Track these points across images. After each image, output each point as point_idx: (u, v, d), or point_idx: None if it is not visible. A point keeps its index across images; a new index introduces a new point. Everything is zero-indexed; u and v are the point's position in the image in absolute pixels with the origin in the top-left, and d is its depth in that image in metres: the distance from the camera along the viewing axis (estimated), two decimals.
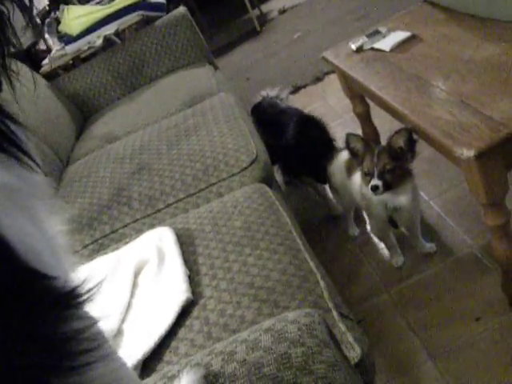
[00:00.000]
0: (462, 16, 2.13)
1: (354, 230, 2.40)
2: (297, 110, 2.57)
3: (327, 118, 3.28)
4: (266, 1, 6.45)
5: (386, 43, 2.16)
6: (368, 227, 2.36)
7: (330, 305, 1.22)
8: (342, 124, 3.21)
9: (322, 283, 1.29)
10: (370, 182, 1.87)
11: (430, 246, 2.14)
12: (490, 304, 1.86)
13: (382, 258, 2.23)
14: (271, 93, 2.77)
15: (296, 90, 3.90)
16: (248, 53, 5.25)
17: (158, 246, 1.60)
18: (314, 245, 2.41)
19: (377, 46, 2.18)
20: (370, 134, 2.47)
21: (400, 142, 1.85)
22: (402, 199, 1.92)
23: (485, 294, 1.90)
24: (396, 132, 1.86)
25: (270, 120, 2.50)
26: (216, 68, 3.45)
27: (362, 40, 2.27)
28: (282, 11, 5.91)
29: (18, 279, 0.49)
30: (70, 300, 0.53)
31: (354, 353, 1.09)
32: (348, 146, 1.94)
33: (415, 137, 1.84)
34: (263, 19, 5.95)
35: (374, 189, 1.86)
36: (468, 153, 1.42)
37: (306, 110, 3.54)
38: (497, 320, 1.80)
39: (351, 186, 2.10)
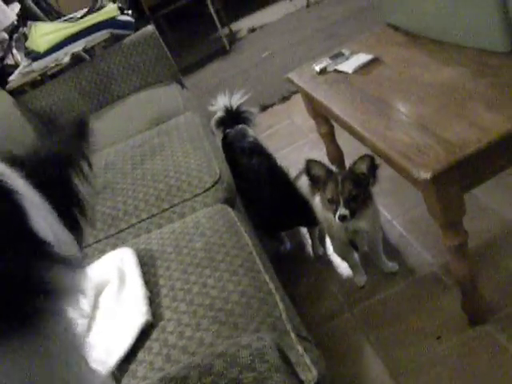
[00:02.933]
0: (423, 40, 2.17)
1: (319, 250, 2.42)
2: (264, 156, 2.43)
3: (294, 137, 3.34)
4: (235, 20, 6.49)
5: (348, 65, 2.19)
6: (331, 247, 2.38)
7: (288, 327, 1.23)
8: (308, 143, 3.24)
9: (280, 305, 1.30)
10: (335, 209, 1.88)
11: (392, 265, 2.17)
12: (451, 322, 1.89)
13: (346, 278, 2.25)
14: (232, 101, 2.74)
15: (263, 109, 3.92)
16: (217, 71, 5.28)
17: (119, 267, 1.60)
18: (278, 265, 2.45)
19: (340, 68, 2.22)
20: (335, 153, 2.50)
21: (362, 168, 1.88)
22: (362, 223, 1.95)
23: (445, 312, 1.93)
24: (359, 158, 1.88)
25: (237, 159, 2.43)
26: (183, 87, 3.47)
27: (325, 62, 2.30)
28: (252, 30, 5.96)
29: None
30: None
31: (311, 375, 1.10)
32: (308, 173, 1.95)
33: (377, 162, 1.87)
34: (233, 38, 5.99)
35: (343, 218, 1.87)
36: (424, 175, 1.44)
37: (273, 129, 3.61)
38: (457, 338, 1.83)
39: (314, 206, 2.12)
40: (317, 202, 2.04)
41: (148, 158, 2.21)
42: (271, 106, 3.95)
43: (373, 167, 1.86)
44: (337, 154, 2.50)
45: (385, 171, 2.49)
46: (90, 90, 3.48)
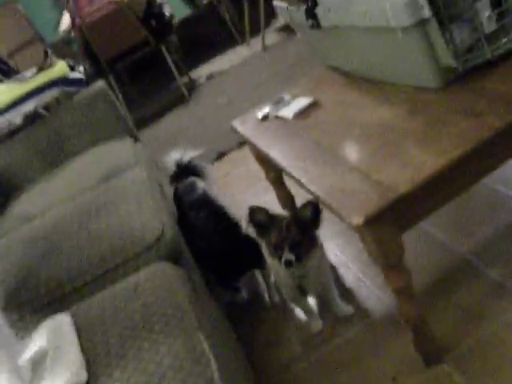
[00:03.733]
0: (360, 80, 2.19)
1: (275, 297, 2.38)
2: (213, 207, 2.42)
3: (250, 182, 3.33)
4: (195, 67, 6.55)
5: (289, 110, 2.20)
6: None
7: None
8: (263, 187, 3.22)
9: (213, 366, 1.26)
10: (280, 255, 1.86)
11: (347, 309, 2.14)
12: (407, 363, 1.85)
13: (302, 324, 2.21)
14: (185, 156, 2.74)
15: (220, 156, 3.92)
16: (176, 120, 5.28)
17: (55, 334, 1.55)
18: (235, 314, 2.41)
19: (280, 113, 2.22)
20: (285, 198, 2.49)
21: (306, 213, 1.87)
22: (308, 267, 1.92)
23: (401, 354, 1.89)
24: (303, 204, 1.87)
25: (186, 212, 2.42)
26: (136, 140, 3.45)
27: (267, 108, 2.30)
28: (210, 77, 6.00)
29: None
30: None
31: None
32: (252, 220, 1.93)
33: (321, 207, 1.86)
34: (192, 85, 6.03)
35: (288, 264, 1.85)
36: (357, 219, 1.43)
37: (230, 177, 3.60)
38: (412, 379, 1.79)
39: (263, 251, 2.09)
40: (264, 248, 2.02)
41: (93, 217, 2.17)
42: (228, 152, 3.95)
43: (317, 212, 1.85)
44: (287, 198, 2.49)
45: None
46: (42, 149, 3.46)
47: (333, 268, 2.29)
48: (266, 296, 2.42)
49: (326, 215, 1.91)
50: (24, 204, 3.01)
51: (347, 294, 2.23)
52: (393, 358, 1.89)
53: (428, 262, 2.19)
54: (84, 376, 1.34)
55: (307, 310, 2.15)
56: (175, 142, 4.55)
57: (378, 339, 1.99)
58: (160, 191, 2.35)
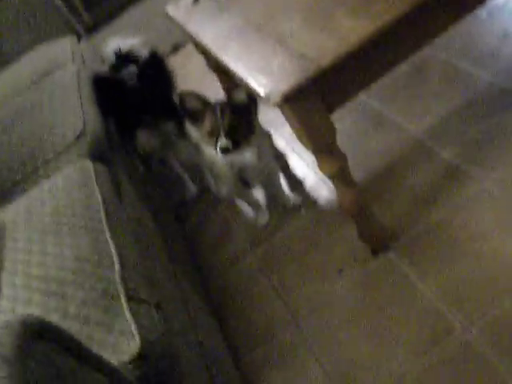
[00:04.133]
0: None
1: (222, 192, 2.26)
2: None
3: (205, 75, 3.12)
4: None
5: None
6: None
7: (120, 290, 1.08)
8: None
9: (116, 266, 1.14)
10: (216, 142, 1.73)
11: (294, 198, 2.03)
12: (353, 254, 1.76)
13: (248, 218, 2.10)
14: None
15: (175, 49, 3.71)
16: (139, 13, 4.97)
17: None
18: (183, 212, 2.31)
19: None
20: (229, 84, 2.30)
21: (242, 96, 1.71)
22: (248, 157, 1.79)
23: (347, 244, 1.80)
24: (237, 88, 1.72)
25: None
26: (80, 37, 3.23)
27: None
28: None
29: None
30: None
31: (134, 343, 0.96)
32: (183, 106, 1.78)
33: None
34: None
35: (224, 150, 1.71)
36: (275, 98, 1.28)
37: (186, 70, 3.39)
38: (359, 270, 1.71)
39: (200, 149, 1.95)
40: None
41: (17, 121, 2.02)
42: (184, 46, 3.72)
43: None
44: (230, 87, 2.31)
45: None
46: None
47: (281, 157, 2.15)
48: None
49: None
50: None
51: (297, 184, 2.11)
52: (339, 250, 1.81)
53: (377, 143, 2.06)
54: None
55: (252, 203, 2.04)
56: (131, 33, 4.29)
57: (325, 231, 1.90)
58: (91, 88, 2.16)
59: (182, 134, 2.00)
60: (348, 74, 1.37)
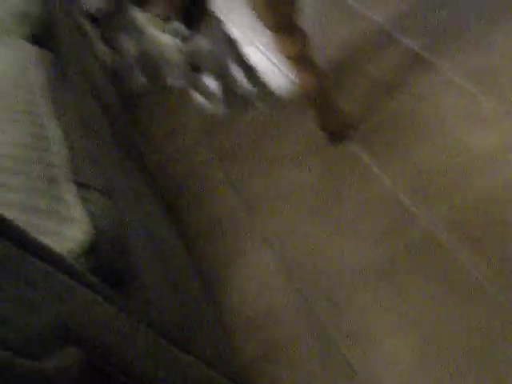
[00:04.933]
0: None
1: (173, 81, 2.14)
2: None
3: None
4: None
5: None
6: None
7: (68, 176, 0.99)
8: None
9: (63, 151, 1.04)
10: (166, 25, 1.60)
11: (250, 89, 1.92)
12: (311, 144, 1.70)
13: (202, 109, 2.00)
14: None
15: None
16: None
17: None
18: (135, 104, 2.18)
19: None
20: None
21: None
22: (198, 40, 1.67)
23: (306, 135, 1.73)
24: None
25: None
26: None
27: None
28: None
29: None
30: None
31: (81, 231, 0.88)
32: None
33: None
34: None
35: (175, 33, 1.59)
36: None
37: None
38: (317, 161, 1.65)
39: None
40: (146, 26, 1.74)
41: None
42: None
43: None
44: None
45: None
46: None
47: (233, 44, 2.03)
48: (168, 80, 2.16)
49: None
50: None
51: (251, 73, 2.00)
52: (297, 140, 1.73)
53: (337, 31, 1.96)
54: None
55: (205, 92, 1.93)
56: None
57: (281, 121, 1.82)
58: None
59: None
60: None
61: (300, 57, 1.40)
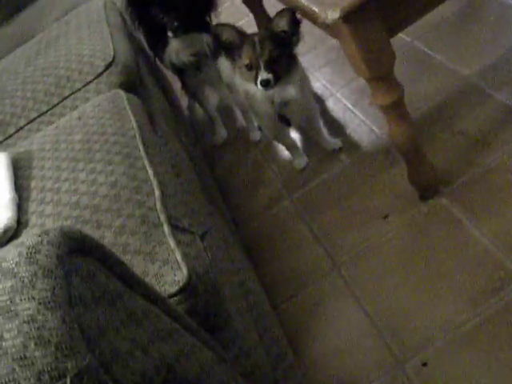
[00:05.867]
0: None
1: (256, 135, 2.14)
2: None
3: (235, 17, 2.98)
4: None
5: None
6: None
7: (162, 217, 0.97)
8: (248, 22, 2.90)
9: (156, 193, 1.03)
10: (256, 76, 1.61)
11: (335, 142, 1.90)
12: (400, 199, 1.64)
13: (285, 162, 1.98)
14: None
15: None
16: None
17: None
18: (215, 155, 2.19)
19: None
20: (263, 21, 2.17)
21: (282, 24, 1.59)
22: (289, 91, 1.66)
23: (394, 189, 1.68)
24: (276, 14, 1.59)
25: None
26: None
27: None
28: None
29: None
30: None
31: (180, 274, 0.85)
32: (219, 40, 1.65)
33: (299, 17, 1.57)
34: None
35: (265, 84, 1.59)
36: (333, 14, 1.14)
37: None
38: (407, 215, 1.59)
39: (235, 85, 1.82)
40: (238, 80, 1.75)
41: (42, 53, 1.90)
42: None
43: (294, 23, 1.57)
44: (265, 21, 2.17)
45: (328, 41, 2.20)
46: None
47: (319, 100, 2.02)
48: (251, 135, 2.17)
49: (309, 35, 1.65)
50: None
51: (335, 126, 1.98)
52: (384, 194, 1.68)
53: (426, 85, 1.92)
54: (12, 221, 1.13)
55: (290, 145, 1.91)
56: None
57: (368, 174, 1.77)
58: (121, 19, 2.03)
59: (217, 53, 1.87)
60: None
61: (394, 106, 1.36)
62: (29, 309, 0.50)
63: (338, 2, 1.15)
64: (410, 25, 1.29)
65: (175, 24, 1.88)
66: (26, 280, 0.52)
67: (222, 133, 2.24)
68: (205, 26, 1.94)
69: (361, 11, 1.16)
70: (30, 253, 0.55)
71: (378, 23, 1.21)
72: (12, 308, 0.51)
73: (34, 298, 0.51)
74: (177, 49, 1.97)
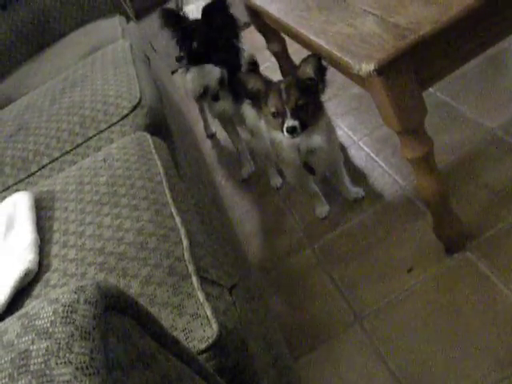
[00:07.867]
0: None
1: (277, 181, 2.13)
2: None
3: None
4: None
5: None
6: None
7: (191, 269, 0.95)
8: (269, 68, 2.91)
9: (185, 242, 1.01)
10: (282, 123, 1.60)
11: (357, 191, 1.88)
12: (425, 252, 1.61)
13: (306, 210, 1.96)
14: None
15: None
16: None
17: (9, 213, 1.31)
18: (234, 198, 2.17)
19: None
20: (289, 70, 2.18)
21: (308, 71, 1.58)
22: (316, 139, 1.65)
23: (418, 241, 1.65)
24: (302, 61, 1.59)
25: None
26: (129, 19, 3.11)
27: None
28: None
29: None
30: None
31: (210, 330, 0.82)
32: (245, 89, 1.65)
33: (325, 63, 1.57)
34: None
35: (292, 131, 1.58)
36: (367, 67, 1.14)
37: None
38: (432, 269, 1.56)
39: (262, 130, 1.81)
40: (262, 125, 1.74)
41: (67, 92, 1.90)
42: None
43: (320, 70, 1.56)
44: (290, 68, 2.18)
45: (351, 89, 2.20)
46: (26, 32, 3.14)
47: (342, 148, 2.01)
48: (272, 181, 2.15)
49: (331, 82, 1.64)
50: (2, 91, 2.74)
51: (357, 175, 1.96)
52: (409, 246, 1.65)
53: (450, 137, 1.90)
54: (34, 264, 1.10)
55: (313, 193, 1.89)
56: None
57: (392, 225, 1.74)
58: (145, 61, 2.04)
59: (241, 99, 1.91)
60: (446, 46, 1.22)
61: (424, 160, 1.34)
62: (65, 374, 0.47)
63: (372, 55, 1.15)
64: (442, 78, 1.28)
65: (188, 53, 1.91)
66: (62, 342, 0.50)
67: (249, 166, 2.24)
68: (223, 60, 1.97)
69: (395, 64, 1.15)
70: (66, 311, 0.53)
71: (411, 76, 1.20)
72: (47, 372, 0.48)
73: (71, 363, 0.48)
74: (192, 78, 2.00)
